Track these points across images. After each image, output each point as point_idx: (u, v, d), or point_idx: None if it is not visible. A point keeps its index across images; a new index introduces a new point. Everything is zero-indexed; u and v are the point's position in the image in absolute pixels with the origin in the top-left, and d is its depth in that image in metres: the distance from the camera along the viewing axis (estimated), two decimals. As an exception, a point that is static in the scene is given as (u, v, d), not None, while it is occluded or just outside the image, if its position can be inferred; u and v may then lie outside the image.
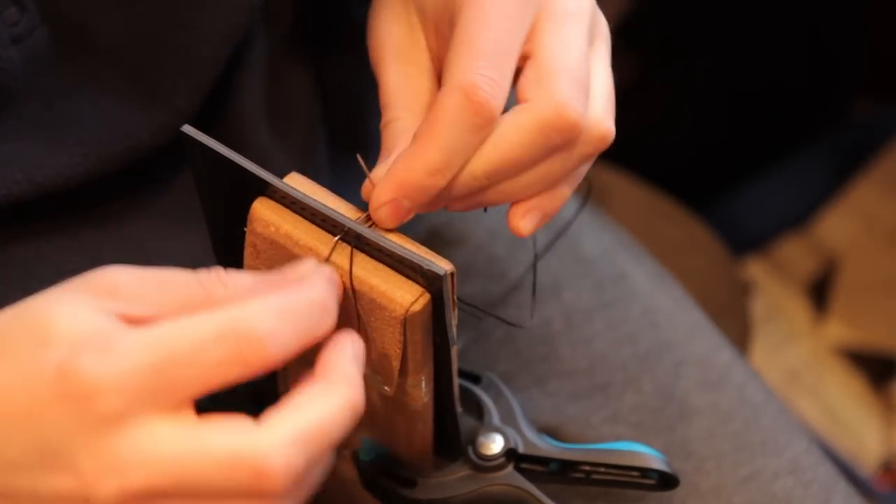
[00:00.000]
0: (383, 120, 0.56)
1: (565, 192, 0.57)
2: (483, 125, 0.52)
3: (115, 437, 0.44)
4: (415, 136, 0.53)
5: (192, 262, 0.63)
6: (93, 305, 0.47)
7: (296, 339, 0.47)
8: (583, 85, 0.54)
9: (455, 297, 0.52)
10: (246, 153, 0.63)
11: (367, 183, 0.54)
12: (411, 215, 0.53)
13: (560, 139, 0.53)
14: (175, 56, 0.61)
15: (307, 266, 0.50)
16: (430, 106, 0.55)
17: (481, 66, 0.52)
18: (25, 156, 0.58)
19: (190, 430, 0.45)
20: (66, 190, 0.59)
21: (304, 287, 0.48)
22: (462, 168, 0.53)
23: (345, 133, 0.73)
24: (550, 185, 0.56)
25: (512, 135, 0.52)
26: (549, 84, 0.53)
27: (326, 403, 0.47)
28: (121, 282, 0.47)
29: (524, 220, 0.56)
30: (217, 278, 0.49)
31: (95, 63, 0.59)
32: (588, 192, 0.71)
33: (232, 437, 0.45)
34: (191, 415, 0.45)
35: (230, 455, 0.44)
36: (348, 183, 0.72)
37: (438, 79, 0.57)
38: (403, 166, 0.52)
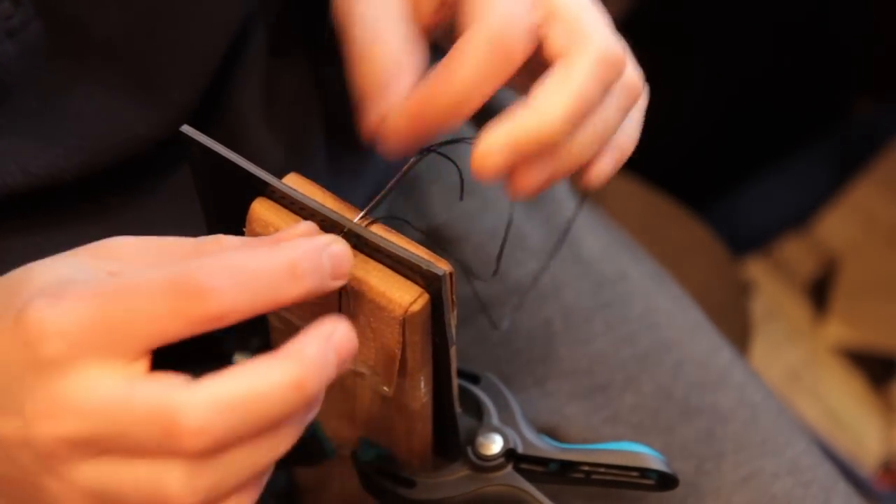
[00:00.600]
0: (363, 53, 0.55)
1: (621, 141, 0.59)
2: (511, 61, 0.52)
3: (57, 382, 0.44)
4: (441, 66, 0.53)
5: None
6: (84, 262, 0.47)
7: (247, 299, 0.45)
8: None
9: (454, 297, 0.52)
10: (243, 149, 0.63)
11: (372, 116, 0.54)
12: (417, 147, 0.54)
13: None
14: (170, 49, 0.61)
15: (301, 227, 0.50)
16: (409, 38, 0.55)
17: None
18: (20, 149, 0.58)
19: (125, 381, 0.45)
20: (62, 182, 0.59)
21: (273, 249, 0.47)
22: (481, 101, 0.53)
23: (341, 130, 0.73)
24: (604, 134, 0.56)
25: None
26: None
27: (264, 377, 0.45)
28: (122, 246, 0.48)
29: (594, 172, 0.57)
30: (215, 240, 0.48)
31: (90, 57, 0.59)
32: (584, 194, 0.71)
33: (156, 391, 0.44)
34: (141, 368, 0.45)
35: (147, 407, 0.44)
36: (345, 180, 0.72)
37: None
38: (429, 92, 0.52)
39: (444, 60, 0.53)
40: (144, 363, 0.45)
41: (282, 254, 0.46)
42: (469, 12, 0.54)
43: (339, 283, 0.48)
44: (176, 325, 0.45)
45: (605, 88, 0.55)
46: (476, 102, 0.53)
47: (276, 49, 0.69)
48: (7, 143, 0.58)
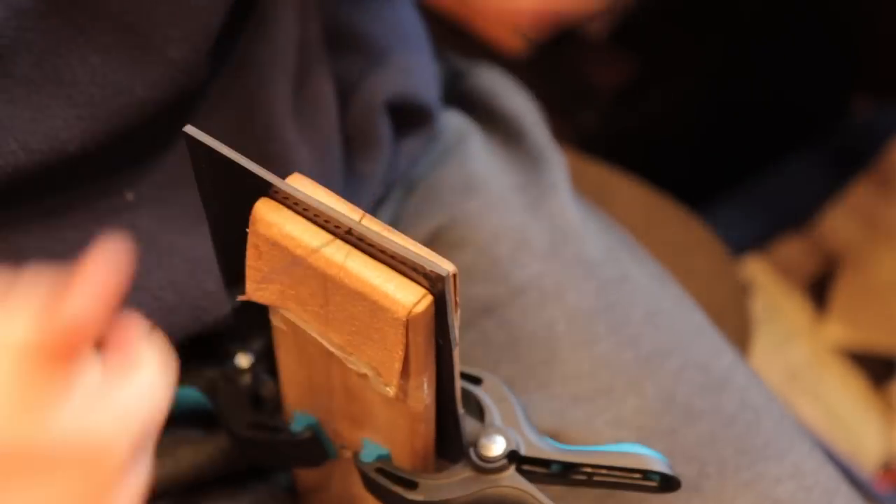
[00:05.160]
0: None
1: None
2: None
3: None
4: None
5: (204, 256, 0.63)
6: None
7: None
8: None
9: (457, 298, 0.52)
10: (270, 146, 0.63)
11: None
12: None
13: None
14: (165, 6, 0.60)
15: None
16: None
17: None
18: (17, 121, 0.57)
19: None
20: (66, 156, 0.59)
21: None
22: None
23: (350, 130, 0.73)
24: None
25: None
26: None
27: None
28: None
29: None
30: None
31: (83, 16, 0.59)
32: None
33: None
34: None
35: None
36: (355, 183, 0.72)
37: None
38: None
39: None
40: None
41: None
42: None
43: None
44: None
45: None
46: None
47: (309, 50, 0.68)
48: (4, 115, 0.57)
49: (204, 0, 0.61)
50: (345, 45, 0.73)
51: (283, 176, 0.53)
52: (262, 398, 0.65)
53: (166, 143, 0.62)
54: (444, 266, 0.50)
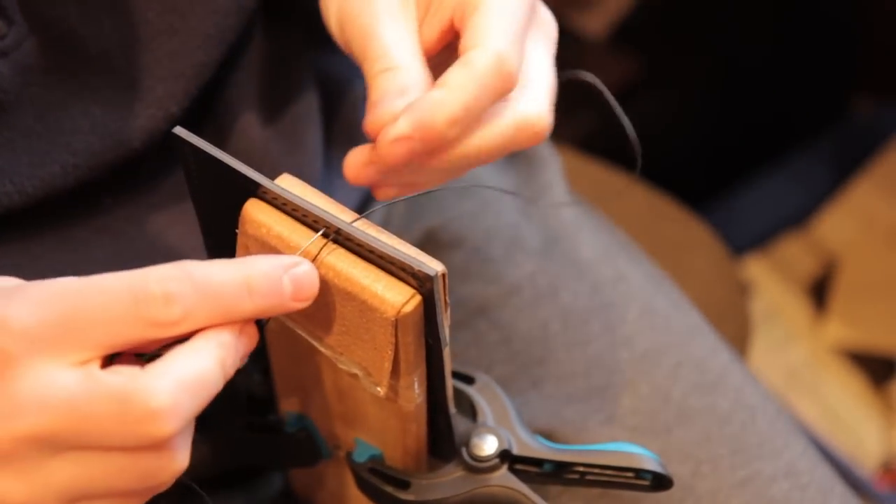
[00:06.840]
0: (374, 69, 0.55)
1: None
2: (503, 93, 0.53)
3: (11, 380, 0.45)
4: (442, 84, 0.53)
5: (184, 254, 0.63)
6: None
7: (202, 308, 0.47)
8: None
9: (447, 298, 0.52)
10: (235, 142, 0.63)
11: (371, 117, 0.54)
12: (410, 162, 0.53)
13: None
14: (167, 62, 0.61)
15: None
16: (421, 64, 0.55)
17: (512, 37, 0.53)
18: (16, 167, 0.58)
19: (83, 374, 0.45)
20: (56, 199, 0.59)
21: (231, 264, 0.48)
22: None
23: (337, 126, 0.73)
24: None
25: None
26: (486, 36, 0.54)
27: (203, 357, 0.47)
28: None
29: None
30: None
31: (86, 72, 0.59)
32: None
33: (121, 377, 0.45)
34: (96, 365, 0.46)
35: (120, 392, 0.45)
36: (340, 177, 0.72)
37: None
38: (428, 108, 0.52)
39: (452, 76, 0.53)
40: (99, 362, 0.46)
41: (239, 269, 0.48)
42: (471, 37, 0.54)
43: (300, 305, 0.50)
44: (133, 329, 0.46)
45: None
46: (469, 125, 0.53)
47: (277, 43, 0.68)
48: (3, 162, 0.58)
49: (204, 55, 0.62)
50: (332, 41, 0.73)
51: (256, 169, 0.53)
52: (256, 399, 0.65)
53: (145, 154, 0.62)
54: (433, 266, 0.50)
